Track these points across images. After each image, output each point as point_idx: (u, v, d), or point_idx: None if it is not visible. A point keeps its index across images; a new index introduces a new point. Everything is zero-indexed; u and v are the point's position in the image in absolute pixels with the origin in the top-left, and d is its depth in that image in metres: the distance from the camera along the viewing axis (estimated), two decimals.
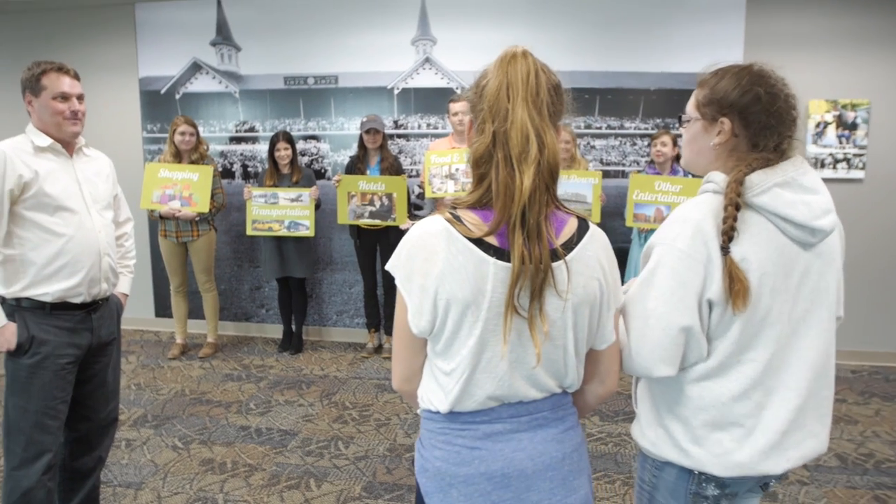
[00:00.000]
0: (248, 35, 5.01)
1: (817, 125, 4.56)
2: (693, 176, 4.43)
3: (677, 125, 4.64)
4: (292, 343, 4.95)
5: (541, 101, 1.13)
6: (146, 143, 5.26)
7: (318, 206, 4.69)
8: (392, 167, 4.58)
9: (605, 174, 4.54)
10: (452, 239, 1.13)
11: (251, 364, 4.68)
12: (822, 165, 4.59)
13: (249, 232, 4.69)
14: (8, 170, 2.06)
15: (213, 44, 5.06)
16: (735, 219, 1.23)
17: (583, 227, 1.22)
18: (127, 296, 2.50)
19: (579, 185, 4.29)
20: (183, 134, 4.52)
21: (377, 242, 4.71)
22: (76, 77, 2.22)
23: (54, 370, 2.17)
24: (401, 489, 3.00)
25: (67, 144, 2.23)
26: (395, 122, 4.91)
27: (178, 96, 5.18)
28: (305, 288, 4.96)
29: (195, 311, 5.07)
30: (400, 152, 4.89)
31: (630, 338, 1.31)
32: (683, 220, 1.28)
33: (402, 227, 4.55)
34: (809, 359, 1.31)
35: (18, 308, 2.15)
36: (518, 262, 1.10)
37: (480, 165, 1.15)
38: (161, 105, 5.21)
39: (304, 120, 5.03)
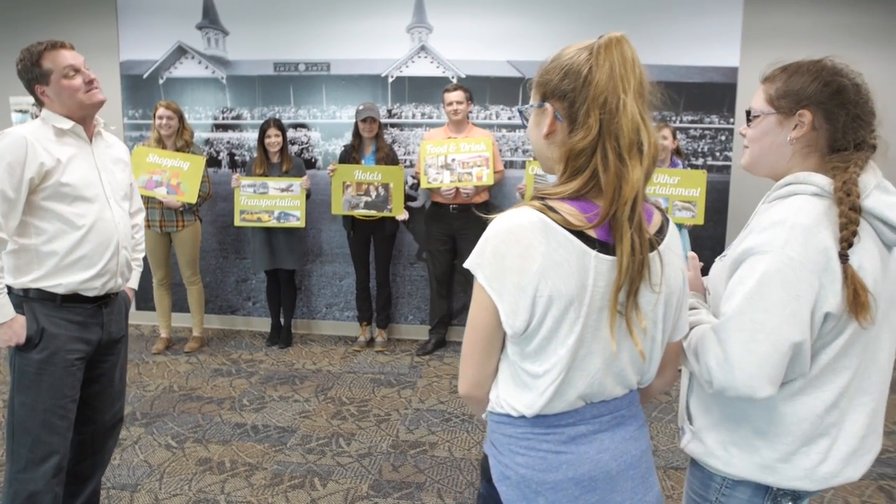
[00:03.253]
0: (236, 19, 4.84)
1: None
2: (690, 168, 4.43)
3: (673, 119, 4.63)
4: (281, 337, 4.82)
5: (644, 89, 1.08)
6: (127, 130, 5.06)
7: (308, 197, 4.57)
8: (388, 157, 4.48)
9: None
10: (551, 231, 1.06)
11: (240, 358, 4.54)
12: None
13: (237, 223, 4.55)
14: (29, 157, 1.91)
15: (200, 27, 4.88)
16: (857, 223, 1.16)
17: (665, 218, 1.20)
18: (135, 290, 2.37)
19: None
20: (161, 118, 4.35)
21: (371, 234, 4.60)
22: (72, 47, 2.06)
23: (64, 366, 2.04)
24: (409, 487, 2.92)
25: (87, 127, 2.10)
26: (389, 112, 4.80)
27: (161, 81, 4.99)
28: (295, 280, 4.83)
29: (178, 304, 4.90)
30: (394, 142, 4.78)
31: (730, 354, 1.20)
32: (791, 225, 1.18)
33: (398, 218, 4.46)
34: (882, 361, 1.29)
35: (26, 299, 2.01)
36: (627, 256, 1.06)
37: (579, 158, 1.09)
38: (143, 90, 5.01)
39: (294, 107, 4.89)
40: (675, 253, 1.18)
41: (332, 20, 4.74)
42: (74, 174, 2.01)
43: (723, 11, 4.49)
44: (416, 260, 4.93)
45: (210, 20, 4.86)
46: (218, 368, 4.35)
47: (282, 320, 4.87)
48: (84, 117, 2.07)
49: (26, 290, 2.01)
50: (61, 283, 2.02)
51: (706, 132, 4.64)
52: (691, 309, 1.31)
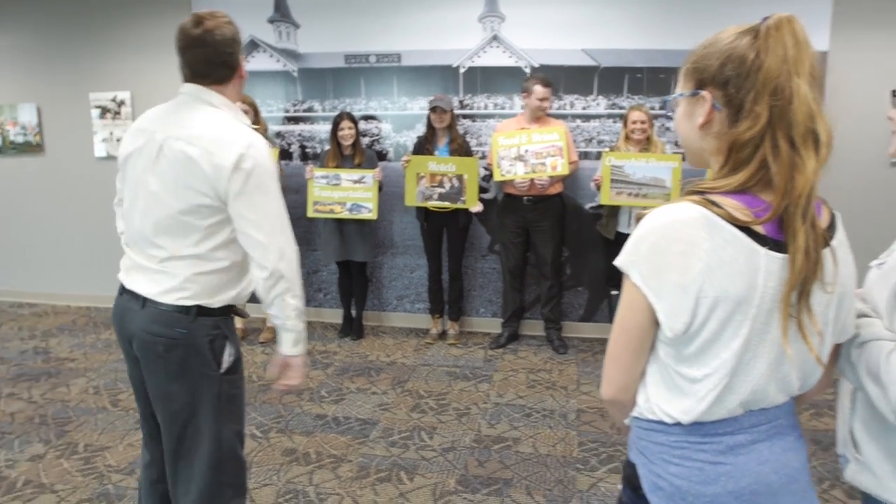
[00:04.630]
0: (307, 12, 4.85)
1: None
2: None
3: None
4: (353, 328, 4.84)
5: (816, 72, 1.01)
6: None
7: (380, 189, 4.55)
8: (461, 148, 4.43)
9: (682, 158, 4.35)
10: (716, 227, 1.00)
11: (314, 350, 4.57)
12: None
13: (310, 214, 4.57)
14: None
15: (271, 21, 4.91)
16: None
17: (833, 212, 1.12)
18: None
19: (658, 169, 4.12)
20: None
21: (444, 226, 4.57)
22: None
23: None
24: (497, 483, 2.88)
25: None
26: (461, 102, 4.75)
27: None
28: (366, 272, 4.84)
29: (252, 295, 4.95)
30: (465, 133, 4.72)
31: None
32: None
33: (473, 210, 4.41)
34: None
35: (222, 318, 1.84)
36: (802, 254, 0.98)
37: (744, 149, 1.02)
38: None
39: (365, 99, 4.88)
40: (847, 249, 1.11)
41: (402, 11, 4.71)
42: None
43: None
44: (488, 252, 4.88)
45: (281, 13, 4.88)
46: None
47: (353, 312, 4.88)
48: None
49: (215, 309, 1.82)
50: (242, 294, 1.89)
51: None
52: (861, 316, 1.21)
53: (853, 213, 4.62)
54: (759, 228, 1.01)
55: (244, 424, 1.99)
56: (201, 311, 1.78)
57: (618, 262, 1.08)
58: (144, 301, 1.79)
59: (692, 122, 1.10)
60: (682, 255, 1.00)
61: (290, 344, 1.85)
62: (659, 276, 1.03)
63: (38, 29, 5.39)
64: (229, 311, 1.87)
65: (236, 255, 1.81)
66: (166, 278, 1.77)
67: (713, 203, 1.01)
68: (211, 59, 1.75)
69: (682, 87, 1.13)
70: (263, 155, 1.73)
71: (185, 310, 1.76)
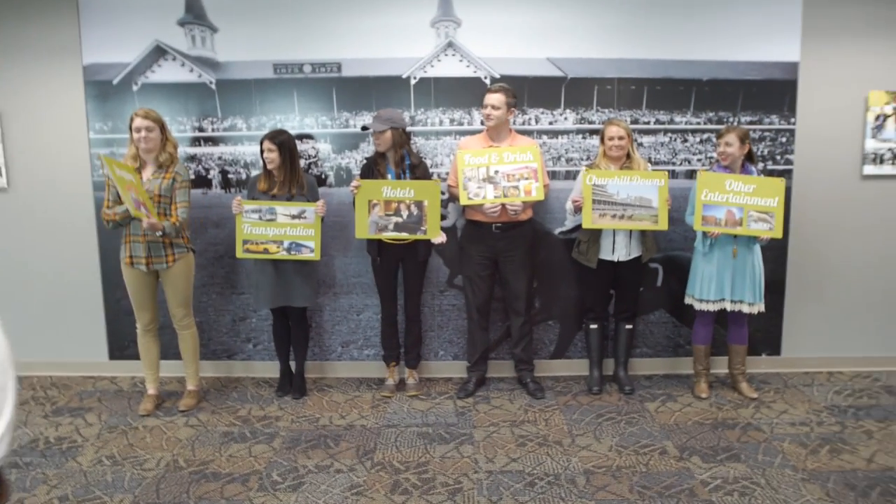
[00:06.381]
0: (226, 13, 4.10)
1: (877, 118, 4.20)
2: (767, 175, 3.98)
3: (731, 121, 4.16)
4: (293, 385, 4.09)
5: None
6: (95, 146, 4.24)
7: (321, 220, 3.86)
8: (418, 169, 3.84)
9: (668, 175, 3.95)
10: None
11: (251, 416, 3.79)
12: (881, 161, 4.24)
13: (240, 254, 3.81)
14: None
15: (182, 23, 4.12)
16: None
17: None
18: None
19: (643, 188, 3.71)
20: (138, 130, 3.56)
21: (401, 260, 3.94)
22: None
23: None
24: None
25: None
26: (412, 118, 4.16)
27: (135, 87, 4.20)
28: (306, 318, 4.11)
29: (163, 352, 4.08)
30: (417, 153, 4.14)
31: None
32: None
33: (435, 241, 3.81)
34: None
35: None
36: None
37: None
38: (113, 98, 4.20)
39: (298, 116, 4.18)
40: None
41: (343, 14, 4.08)
42: None
43: (781, 3, 4.06)
44: (447, 287, 4.30)
45: (194, 15, 4.11)
46: (228, 431, 3.59)
47: (292, 365, 4.14)
48: None
49: None
50: None
51: (766, 134, 4.19)
52: None
53: (823, 224, 4.49)
54: None
55: None
56: None
57: None
58: None
59: None
60: None
61: None
62: None
63: None
64: None
65: None
66: None
67: None
68: None
69: None
70: None
71: None
